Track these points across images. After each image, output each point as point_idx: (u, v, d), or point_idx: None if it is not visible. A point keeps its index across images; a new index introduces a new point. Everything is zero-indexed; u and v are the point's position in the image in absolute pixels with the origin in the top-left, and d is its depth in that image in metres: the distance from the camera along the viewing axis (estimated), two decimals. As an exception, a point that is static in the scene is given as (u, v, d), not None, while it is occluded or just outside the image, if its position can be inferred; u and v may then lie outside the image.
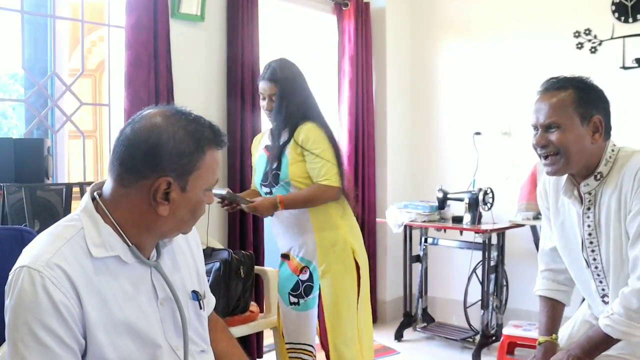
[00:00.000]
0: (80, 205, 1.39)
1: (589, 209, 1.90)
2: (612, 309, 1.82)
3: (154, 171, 1.32)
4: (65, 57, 3.54)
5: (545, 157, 1.90)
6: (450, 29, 4.92)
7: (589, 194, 1.90)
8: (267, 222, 4.09)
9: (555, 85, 1.91)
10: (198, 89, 3.66)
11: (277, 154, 2.82)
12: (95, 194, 1.40)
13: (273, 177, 2.83)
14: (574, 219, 1.96)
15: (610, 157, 1.88)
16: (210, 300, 1.66)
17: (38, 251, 1.30)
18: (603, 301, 1.95)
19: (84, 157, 3.45)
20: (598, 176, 1.89)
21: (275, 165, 2.82)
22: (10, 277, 1.28)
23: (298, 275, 2.90)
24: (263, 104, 2.89)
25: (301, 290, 2.90)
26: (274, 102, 2.83)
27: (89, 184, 2.78)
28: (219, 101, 3.75)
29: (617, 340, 1.83)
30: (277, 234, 2.97)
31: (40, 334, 1.23)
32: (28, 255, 1.30)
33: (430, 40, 5.01)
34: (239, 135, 3.70)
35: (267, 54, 3.99)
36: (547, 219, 2.08)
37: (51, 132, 3.36)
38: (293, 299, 2.92)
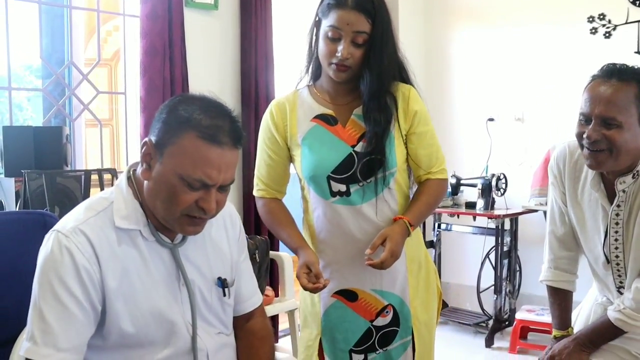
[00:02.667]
0: (117, 182, 1.47)
1: (618, 206, 1.83)
2: (623, 303, 1.81)
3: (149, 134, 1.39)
4: (81, 47, 3.60)
5: (592, 151, 1.74)
6: (463, 15, 4.92)
7: (623, 191, 1.81)
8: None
9: (618, 75, 1.71)
10: (212, 77, 3.70)
11: (384, 129, 1.86)
12: (131, 172, 1.45)
13: (366, 166, 1.85)
14: (596, 213, 1.88)
15: None
16: (243, 293, 1.63)
17: (70, 219, 1.38)
18: (619, 292, 1.92)
19: (101, 145, 3.51)
20: (635, 175, 1.79)
21: (371, 147, 1.85)
22: (44, 239, 1.37)
23: (372, 320, 1.96)
24: (333, 47, 1.81)
25: (374, 340, 1.97)
26: (359, 46, 1.81)
27: (107, 170, 2.86)
28: (233, 89, 3.79)
29: (624, 332, 1.82)
30: (332, 261, 1.95)
31: (59, 292, 1.31)
32: (61, 222, 1.39)
33: (443, 27, 5.01)
34: (253, 124, 3.73)
35: (280, 42, 4.02)
36: (561, 203, 1.98)
37: (69, 120, 3.42)
38: (357, 357, 1.98)
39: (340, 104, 1.92)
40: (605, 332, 1.85)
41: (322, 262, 1.93)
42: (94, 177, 2.80)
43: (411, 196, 1.99)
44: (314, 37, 1.91)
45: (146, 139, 1.39)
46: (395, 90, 1.90)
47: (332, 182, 1.86)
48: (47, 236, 1.37)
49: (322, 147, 1.87)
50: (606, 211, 1.85)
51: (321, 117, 1.90)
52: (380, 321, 1.95)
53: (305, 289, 1.82)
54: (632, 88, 1.70)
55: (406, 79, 1.96)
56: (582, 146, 1.78)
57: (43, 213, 1.87)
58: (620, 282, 1.89)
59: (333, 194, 1.87)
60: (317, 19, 1.88)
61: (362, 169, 1.84)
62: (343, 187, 1.86)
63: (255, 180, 2.01)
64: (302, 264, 1.85)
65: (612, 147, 1.71)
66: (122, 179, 1.46)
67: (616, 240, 1.85)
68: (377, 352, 1.97)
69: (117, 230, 1.39)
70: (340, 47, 1.79)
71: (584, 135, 1.74)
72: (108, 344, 1.39)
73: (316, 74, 1.97)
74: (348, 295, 1.94)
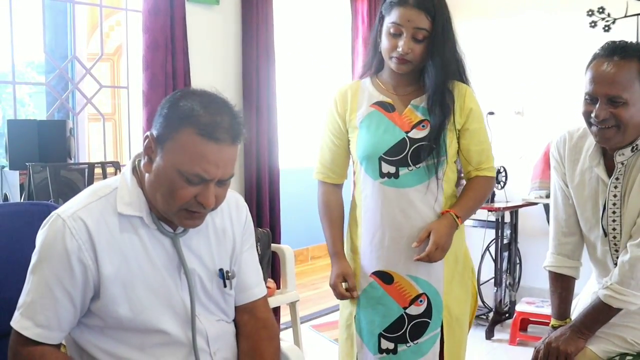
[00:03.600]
0: (122, 171, 1.50)
1: (617, 178, 1.87)
2: (610, 279, 1.84)
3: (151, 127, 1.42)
4: (84, 42, 3.63)
5: (601, 128, 1.79)
6: (463, 9, 4.93)
7: (622, 164, 1.86)
8: (285, 200, 4.17)
9: (620, 53, 1.75)
10: (214, 71, 3.72)
11: (442, 120, 1.96)
12: (136, 162, 1.48)
13: (418, 151, 1.95)
14: (595, 187, 1.92)
15: None
16: (246, 282, 1.64)
17: (72, 203, 1.43)
18: None
19: (104, 139, 3.54)
20: (635, 148, 1.84)
21: (425, 135, 1.96)
22: (46, 219, 1.42)
23: (405, 308, 2.00)
24: (394, 42, 1.92)
25: (406, 330, 2.01)
26: (419, 42, 1.91)
27: (110, 163, 2.89)
28: (234, 83, 3.81)
29: (618, 311, 1.84)
30: (372, 241, 2.02)
31: (47, 274, 1.38)
32: (65, 205, 1.44)
33: None
34: (255, 117, 3.76)
35: (281, 36, 4.04)
36: (563, 185, 2.01)
37: (72, 114, 3.45)
38: (387, 344, 2.02)
39: (400, 94, 2.03)
40: (598, 314, 1.87)
41: (364, 241, 2.04)
42: (98, 170, 2.83)
43: (458, 194, 2.08)
44: (378, 33, 2.01)
45: (148, 132, 1.41)
46: (453, 88, 2.00)
47: (383, 163, 1.97)
48: (48, 217, 1.42)
49: (377, 129, 1.99)
50: (605, 184, 1.89)
51: (380, 104, 2.02)
52: (414, 310, 2.00)
53: (338, 297, 2.05)
54: (634, 64, 1.74)
55: (463, 76, 2.06)
56: (589, 124, 1.83)
57: (48, 204, 1.89)
58: (617, 258, 1.90)
59: (382, 175, 1.97)
60: (380, 16, 1.99)
61: (412, 154, 1.95)
62: (392, 169, 1.96)
63: (317, 165, 2.14)
64: (339, 273, 2.04)
65: (619, 124, 1.77)
66: (127, 168, 1.49)
67: (614, 212, 1.88)
68: (408, 344, 2.01)
69: (119, 216, 1.42)
70: (400, 43, 1.90)
71: (592, 115, 1.79)
72: (104, 325, 1.44)
73: (378, 67, 2.08)
74: (384, 277, 2.01)
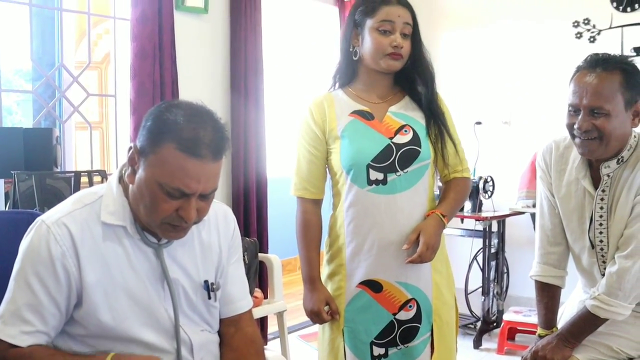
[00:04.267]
0: (109, 179, 1.51)
1: (603, 190, 1.89)
2: (597, 290, 1.85)
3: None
4: (72, 50, 3.62)
5: (584, 140, 1.81)
6: (450, 19, 4.97)
7: (608, 176, 1.87)
8: (272, 209, 4.16)
9: (602, 65, 1.78)
10: (202, 80, 3.72)
11: (437, 123, 2.01)
12: (123, 171, 1.48)
13: (405, 156, 1.95)
14: (581, 199, 1.94)
15: (633, 143, 1.86)
16: (231, 296, 1.63)
17: (56, 210, 1.43)
18: None
19: (91, 147, 3.52)
20: (620, 160, 1.86)
21: (409, 139, 1.97)
22: (30, 226, 1.42)
23: (395, 314, 2.00)
24: (387, 39, 1.93)
25: (396, 334, 2.00)
26: (407, 37, 1.96)
27: (97, 172, 2.87)
28: (222, 92, 3.81)
29: (604, 321, 1.85)
30: (359, 251, 1.99)
31: (32, 280, 1.37)
32: (49, 212, 1.44)
33: (429, 31, 5.05)
34: (242, 126, 3.75)
35: (270, 45, 4.05)
36: (549, 195, 2.02)
37: (59, 122, 3.43)
38: (378, 350, 2.01)
39: (376, 102, 2.02)
40: (585, 323, 1.88)
41: (350, 252, 2.00)
42: (84, 178, 2.81)
43: (436, 199, 2.08)
44: (351, 41, 2.01)
45: (132, 144, 1.42)
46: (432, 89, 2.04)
47: (370, 171, 1.95)
48: (32, 224, 1.42)
49: (361, 138, 1.97)
50: (592, 197, 1.90)
51: (358, 113, 2.00)
52: (403, 315, 1.99)
53: (320, 323, 2.04)
54: (616, 76, 1.76)
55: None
56: (573, 136, 1.85)
57: (33, 213, 1.88)
58: (605, 269, 1.91)
59: (370, 182, 1.95)
60: (354, 23, 2.00)
61: (400, 159, 1.94)
62: (380, 176, 1.94)
63: (295, 180, 2.07)
64: (322, 299, 2.01)
65: (602, 135, 1.78)
66: (113, 177, 1.49)
67: (601, 225, 1.90)
68: (399, 347, 2.00)
69: (103, 225, 1.41)
70: (393, 38, 1.92)
71: (575, 126, 1.81)
72: (87, 333, 1.43)
73: (351, 77, 2.07)
74: (373, 286, 1.99)
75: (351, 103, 2.02)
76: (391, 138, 1.96)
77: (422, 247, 1.89)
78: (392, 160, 1.94)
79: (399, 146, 1.95)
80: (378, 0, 1.95)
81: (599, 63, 1.79)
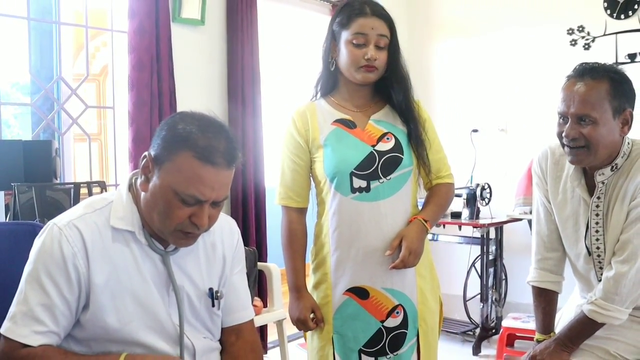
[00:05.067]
0: (119, 187, 1.54)
1: (598, 197, 1.90)
2: (594, 294, 1.86)
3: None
4: (70, 63, 3.63)
5: (572, 148, 1.83)
6: (446, 27, 5.00)
7: (602, 183, 1.89)
8: (271, 218, 4.17)
9: (590, 74, 1.80)
10: (200, 91, 3.74)
11: (417, 130, 2.02)
12: (132, 180, 1.52)
13: (388, 163, 1.97)
14: (578, 208, 1.95)
15: (626, 150, 1.87)
16: (234, 305, 1.65)
17: (67, 214, 1.47)
18: None
19: (90, 159, 3.54)
20: (614, 167, 1.87)
21: (391, 146, 1.99)
22: (41, 230, 1.46)
23: (383, 321, 2.01)
24: (361, 51, 1.94)
25: (385, 343, 2.01)
26: (382, 49, 1.96)
27: (96, 183, 2.89)
28: (220, 103, 3.83)
29: (601, 325, 1.86)
30: (345, 258, 2.01)
31: (44, 280, 1.40)
32: (60, 216, 1.47)
33: (426, 39, 5.09)
34: (240, 135, 3.77)
35: (266, 56, 4.07)
36: (545, 201, 2.04)
37: (58, 134, 3.45)
38: (367, 359, 2.03)
39: (358, 111, 2.05)
40: (582, 328, 1.89)
41: (336, 259, 2.01)
42: (83, 190, 2.82)
43: (419, 204, 2.10)
44: (330, 52, 2.03)
45: (146, 152, 1.44)
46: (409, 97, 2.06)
47: (354, 179, 1.97)
48: (44, 227, 1.46)
49: (344, 147, 1.99)
50: (587, 204, 1.92)
51: (340, 121, 2.03)
52: (391, 322, 2.00)
53: (305, 330, 2.06)
54: (604, 85, 1.78)
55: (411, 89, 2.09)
56: (563, 145, 1.87)
57: (34, 224, 1.89)
58: (602, 275, 1.92)
59: (353, 190, 1.97)
60: (332, 34, 2.02)
61: (383, 167, 1.96)
62: (364, 183, 1.96)
63: (279, 190, 2.10)
64: (308, 307, 2.03)
65: (589, 144, 1.80)
66: (123, 184, 1.52)
67: (597, 231, 1.91)
68: (388, 356, 2.02)
69: (112, 229, 1.45)
70: (367, 50, 1.93)
71: (563, 135, 1.83)
72: (91, 336, 1.45)
73: (332, 87, 2.09)
74: (359, 293, 2.00)
75: (333, 112, 2.04)
76: (374, 146, 1.98)
77: (404, 252, 1.90)
78: (375, 168, 1.97)
79: (381, 154, 1.97)
80: (353, 11, 1.96)
81: (587, 72, 1.81)
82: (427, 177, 2.06)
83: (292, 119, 2.07)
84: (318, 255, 2.08)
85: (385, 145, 1.99)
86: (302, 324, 2.04)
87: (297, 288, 2.07)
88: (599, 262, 1.94)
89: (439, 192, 2.07)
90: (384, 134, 2.01)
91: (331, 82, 2.08)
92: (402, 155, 1.98)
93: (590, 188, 1.93)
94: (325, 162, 2.00)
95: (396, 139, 2.00)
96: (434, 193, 2.08)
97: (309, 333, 2.11)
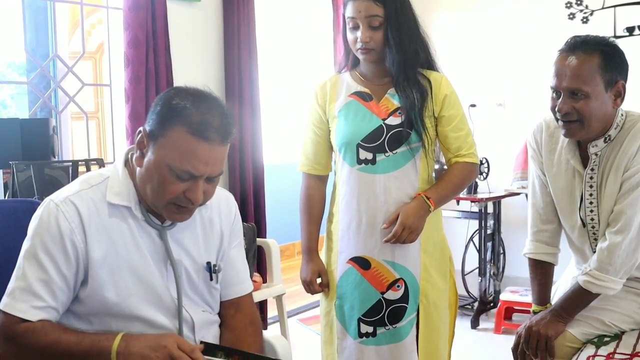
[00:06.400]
0: (115, 162, 1.55)
1: (592, 169, 1.91)
2: (589, 265, 1.88)
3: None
4: (65, 40, 3.62)
5: (565, 122, 1.84)
6: (444, 2, 4.97)
7: (596, 154, 1.90)
8: (271, 196, 4.18)
9: (581, 47, 1.79)
10: (197, 68, 3.72)
11: (413, 103, 1.99)
12: (129, 155, 1.52)
13: (394, 137, 1.99)
14: (572, 180, 1.97)
15: (620, 121, 1.88)
16: (232, 278, 1.67)
17: (64, 190, 1.47)
18: None
19: (87, 136, 3.54)
20: (607, 139, 1.88)
21: (401, 121, 2.00)
22: (39, 206, 1.46)
23: (383, 293, 2.04)
24: (355, 35, 1.98)
25: (384, 314, 2.04)
26: (377, 28, 1.96)
27: (94, 160, 2.90)
28: (217, 78, 3.82)
29: (596, 295, 1.88)
30: (349, 227, 2.06)
31: (42, 256, 1.41)
32: (57, 192, 1.47)
33: (423, 15, 4.97)
34: (237, 113, 3.77)
35: (263, 33, 4.05)
36: (541, 174, 2.05)
37: (55, 113, 3.45)
38: (366, 328, 2.06)
39: (377, 84, 2.08)
40: (577, 298, 1.91)
41: (341, 228, 2.08)
42: (82, 168, 2.83)
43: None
44: (344, 31, 2.07)
45: (141, 128, 1.45)
46: (428, 75, 2.06)
47: (360, 150, 2.01)
48: (41, 203, 1.46)
49: (355, 118, 2.03)
50: (581, 176, 1.93)
51: (358, 94, 2.07)
52: (391, 294, 2.04)
53: (311, 293, 2.16)
54: (595, 58, 1.78)
55: (425, 59, 2.09)
56: (557, 119, 1.88)
57: (32, 201, 1.90)
58: (596, 246, 1.94)
59: (360, 161, 2.02)
60: (343, 16, 2.05)
61: (389, 141, 1.99)
62: (370, 155, 2.00)
63: (301, 157, 2.19)
64: (315, 270, 2.13)
65: (582, 118, 1.81)
66: (119, 160, 1.53)
67: (591, 203, 1.93)
68: (387, 327, 2.05)
69: (108, 204, 1.45)
70: (358, 34, 1.97)
71: (556, 109, 1.84)
72: (91, 311, 1.46)
73: (355, 61, 2.13)
74: (362, 263, 2.05)
75: (353, 84, 2.09)
76: (384, 119, 2.01)
77: (397, 227, 1.94)
78: (382, 141, 2.00)
79: (390, 127, 2.00)
80: None
81: (578, 45, 1.81)
82: (447, 154, 2.08)
83: (315, 92, 2.15)
84: (330, 223, 2.16)
85: (396, 120, 2.00)
86: (307, 286, 2.14)
87: (309, 251, 2.15)
88: (594, 234, 1.96)
89: (455, 171, 2.06)
90: (397, 109, 2.02)
91: (352, 58, 2.13)
92: (411, 130, 1.98)
93: (584, 160, 1.94)
94: (337, 132, 2.07)
95: (408, 113, 2.00)
96: (449, 171, 2.08)
97: (321, 296, 2.18)
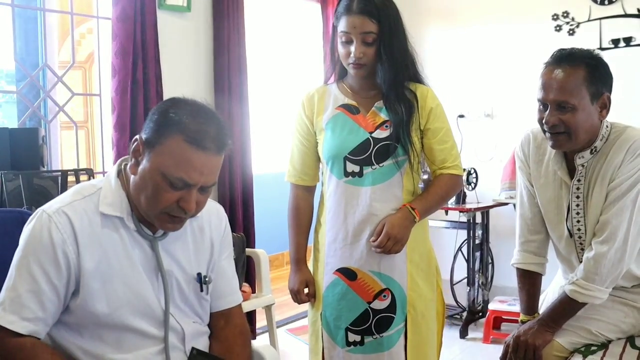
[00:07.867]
0: (108, 173, 1.55)
1: (579, 180, 1.93)
2: (575, 275, 1.90)
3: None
4: (55, 50, 3.62)
5: (552, 134, 1.87)
6: (433, 14, 5.01)
7: (582, 166, 1.92)
8: (259, 206, 4.18)
9: (567, 60, 1.83)
10: (186, 78, 3.73)
11: (401, 118, 2.00)
12: (122, 165, 1.53)
13: (381, 150, 2.01)
14: (558, 189, 1.99)
15: (605, 133, 1.90)
16: (222, 290, 1.68)
17: (57, 201, 1.47)
18: None
19: (77, 146, 3.53)
20: (593, 150, 1.90)
21: (388, 134, 2.01)
22: (31, 216, 1.46)
23: (370, 302, 2.06)
24: (348, 49, 1.98)
25: (371, 324, 2.06)
26: (370, 45, 1.96)
27: (84, 170, 2.89)
28: (206, 90, 3.82)
29: (583, 305, 1.90)
30: (336, 239, 2.08)
31: (33, 267, 1.41)
32: (50, 202, 1.47)
33: (413, 26, 5.03)
34: (227, 123, 3.77)
35: (253, 43, 4.07)
36: (529, 185, 2.07)
37: (44, 122, 3.44)
38: (354, 337, 2.07)
39: (364, 97, 2.09)
40: (564, 308, 1.92)
41: (328, 239, 2.10)
42: (71, 177, 2.82)
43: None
44: (334, 43, 2.08)
45: (137, 136, 1.46)
46: (415, 89, 2.06)
47: (347, 163, 2.04)
48: (33, 214, 1.46)
49: (342, 131, 2.05)
50: (568, 187, 1.95)
51: (345, 107, 2.09)
52: (378, 304, 2.05)
53: (298, 302, 2.18)
54: (581, 71, 1.81)
55: (421, 79, 2.11)
56: (544, 131, 1.90)
57: (21, 211, 1.89)
58: (583, 256, 1.95)
59: (347, 174, 2.04)
60: (334, 27, 2.06)
61: (376, 154, 2.01)
62: (357, 168, 2.03)
63: (288, 167, 2.20)
64: (302, 280, 2.15)
65: (569, 130, 1.83)
66: (112, 171, 1.53)
67: (577, 213, 1.95)
68: (374, 336, 2.06)
69: (101, 215, 1.46)
70: (352, 49, 1.97)
71: (544, 121, 1.86)
72: (81, 321, 1.46)
73: (342, 73, 2.15)
74: (348, 274, 2.07)
75: (340, 97, 2.10)
76: (371, 132, 2.03)
77: (382, 237, 1.96)
78: (369, 154, 2.02)
79: (377, 140, 2.02)
80: (342, 8, 2.00)
81: (564, 58, 1.84)
82: (432, 166, 2.09)
83: (302, 103, 2.16)
84: (317, 233, 2.17)
85: (383, 133, 2.02)
86: (295, 296, 2.16)
87: (297, 261, 2.17)
88: (580, 244, 1.98)
89: (440, 183, 2.08)
90: (384, 122, 2.04)
91: (339, 70, 2.14)
92: (397, 143, 2.00)
93: (571, 171, 1.96)
94: (324, 145, 2.08)
95: (395, 127, 2.01)
96: (433, 183, 2.10)
97: (308, 306, 2.20)
